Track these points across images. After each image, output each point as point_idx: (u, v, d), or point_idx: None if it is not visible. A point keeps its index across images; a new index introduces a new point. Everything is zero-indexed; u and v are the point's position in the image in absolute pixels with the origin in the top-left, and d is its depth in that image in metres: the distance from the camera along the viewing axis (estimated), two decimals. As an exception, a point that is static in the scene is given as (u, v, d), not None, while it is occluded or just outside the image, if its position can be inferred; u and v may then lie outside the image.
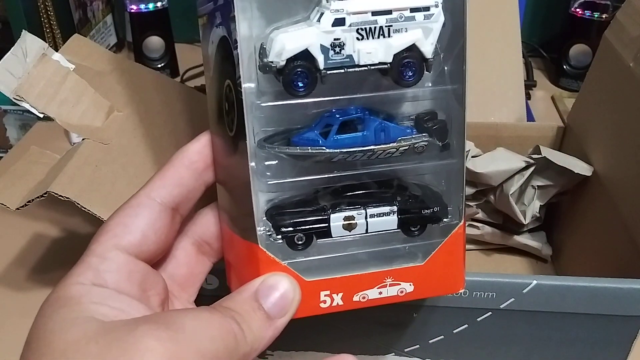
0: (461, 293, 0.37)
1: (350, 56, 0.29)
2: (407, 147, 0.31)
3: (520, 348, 0.42)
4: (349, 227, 0.31)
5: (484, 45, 0.68)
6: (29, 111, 0.43)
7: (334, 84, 0.29)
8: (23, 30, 0.44)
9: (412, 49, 0.29)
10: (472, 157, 0.58)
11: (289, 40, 0.28)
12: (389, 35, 0.29)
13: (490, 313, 0.40)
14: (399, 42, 0.29)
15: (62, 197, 0.41)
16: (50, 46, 0.45)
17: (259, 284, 0.29)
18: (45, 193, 0.41)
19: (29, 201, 0.43)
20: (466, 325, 0.41)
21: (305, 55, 0.28)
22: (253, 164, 0.29)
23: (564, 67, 0.93)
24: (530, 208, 0.58)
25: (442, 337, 0.42)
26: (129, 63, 0.54)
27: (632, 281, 0.38)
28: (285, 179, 0.30)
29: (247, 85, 0.28)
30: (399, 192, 0.32)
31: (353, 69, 0.29)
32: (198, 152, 0.32)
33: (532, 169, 0.56)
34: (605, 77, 0.55)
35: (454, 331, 0.42)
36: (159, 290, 0.30)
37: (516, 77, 0.70)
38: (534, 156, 0.56)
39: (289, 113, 0.30)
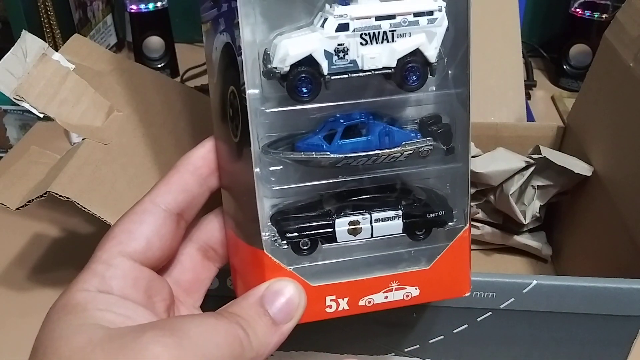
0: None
1: (354, 61, 0.29)
2: (411, 152, 0.30)
3: (520, 348, 0.42)
4: (354, 232, 0.31)
5: (484, 45, 0.68)
6: (29, 111, 0.43)
7: (338, 89, 0.29)
8: (23, 30, 0.44)
9: (416, 53, 0.29)
10: (472, 157, 0.57)
11: (292, 46, 0.28)
12: (392, 40, 0.29)
13: (490, 313, 0.40)
14: (402, 46, 0.29)
15: (62, 197, 0.41)
16: (50, 46, 0.45)
17: (264, 289, 0.29)
18: (45, 193, 0.41)
19: (29, 201, 0.43)
20: (466, 325, 0.41)
21: (309, 61, 0.28)
22: (258, 169, 0.29)
23: (564, 67, 0.93)
24: (530, 208, 0.58)
25: (442, 337, 0.42)
26: (129, 63, 0.54)
27: (632, 281, 0.39)
28: (289, 184, 0.30)
29: (251, 92, 0.28)
30: (403, 196, 0.32)
31: (357, 74, 0.29)
32: (202, 157, 0.32)
33: (532, 169, 0.56)
34: (605, 77, 0.55)
35: (454, 331, 0.42)
36: (164, 296, 0.30)
37: (516, 77, 0.70)
38: (534, 156, 0.56)
39: (293, 118, 0.30)
